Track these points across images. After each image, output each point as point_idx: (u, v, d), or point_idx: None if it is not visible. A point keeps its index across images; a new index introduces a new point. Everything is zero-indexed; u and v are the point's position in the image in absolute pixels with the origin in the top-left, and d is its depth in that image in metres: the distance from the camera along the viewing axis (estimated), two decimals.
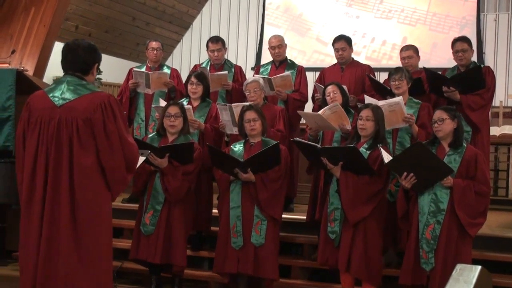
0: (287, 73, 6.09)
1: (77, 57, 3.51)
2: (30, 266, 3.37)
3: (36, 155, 3.42)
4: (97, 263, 3.43)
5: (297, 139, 4.95)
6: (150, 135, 5.29)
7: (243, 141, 5.05)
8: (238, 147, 5.03)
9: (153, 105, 6.20)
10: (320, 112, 5.08)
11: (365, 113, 4.73)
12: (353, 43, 6.35)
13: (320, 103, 5.73)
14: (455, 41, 5.75)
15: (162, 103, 5.71)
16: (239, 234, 4.81)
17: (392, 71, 5.33)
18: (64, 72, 3.58)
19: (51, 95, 3.48)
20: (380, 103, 5.05)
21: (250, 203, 4.83)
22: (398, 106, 4.96)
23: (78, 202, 3.36)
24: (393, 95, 5.31)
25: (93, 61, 3.57)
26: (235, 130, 5.36)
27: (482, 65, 5.90)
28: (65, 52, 3.55)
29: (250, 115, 4.94)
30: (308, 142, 4.95)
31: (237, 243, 4.81)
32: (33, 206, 3.40)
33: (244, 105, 5.12)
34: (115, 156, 3.43)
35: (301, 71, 6.42)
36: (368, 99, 5.21)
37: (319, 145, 4.80)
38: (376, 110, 4.76)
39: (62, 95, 3.45)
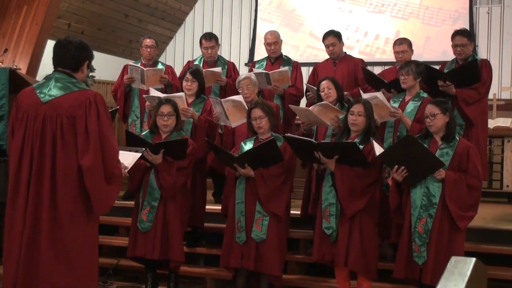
0: (285, 68, 6.07)
1: (68, 53, 3.48)
2: (12, 264, 3.33)
3: (22, 152, 3.38)
4: (78, 262, 3.37)
5: (289, 134, 4.95)
6: (144, 133, 5.27)
7: (254, 137, 5.03)
8: (248, 144, 5.01)
9: (144, 95, 6.12)
10: (310, 107, 5.09)
11: (356, 108, 4.72)
12: (346, 37, 6.35)
13: (313, 100, 5.73)
14: (455, 34, 5.67)
15: (153, 92, 5.66)
16: (242, 229, 4.82)
17: (403, 65, 5.28)
18: (54, 68, 3.55)
19: (38, 91, 3.46)
20: (364, 96, 5.04)
21: (252, 198, 4.83)
22: (378, 100, 4.96)
23: (58, 202, 3.31)
24: (386, 87, 5.30)
25: (84, 58, 3.53)
26: (228, 122, 5.37)
27: (478, 58, 5.85)
28: (56, 48, 3.53)
29: (256, 113, 4.92)
30: (302, 137, 4.95)
31: (240, 238, 4.83)
32: (17, 203, 3.37)
33: (252, 103, 5.07)
34: (91, 155, 3.32)
35: (296, 67, 6.41)
36: (364, 96, 5.17)
37: (314, 140, 4.79)
38: (367, 104, 4.76)
39: (49, 91, 3.42)
